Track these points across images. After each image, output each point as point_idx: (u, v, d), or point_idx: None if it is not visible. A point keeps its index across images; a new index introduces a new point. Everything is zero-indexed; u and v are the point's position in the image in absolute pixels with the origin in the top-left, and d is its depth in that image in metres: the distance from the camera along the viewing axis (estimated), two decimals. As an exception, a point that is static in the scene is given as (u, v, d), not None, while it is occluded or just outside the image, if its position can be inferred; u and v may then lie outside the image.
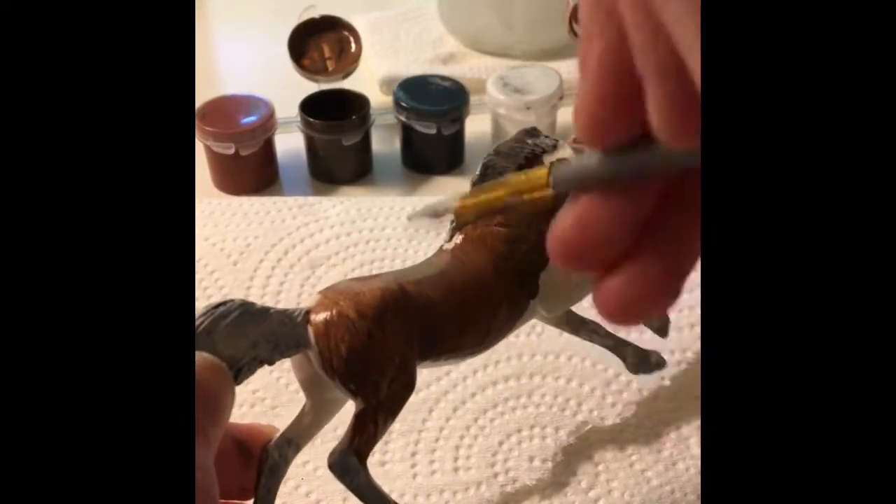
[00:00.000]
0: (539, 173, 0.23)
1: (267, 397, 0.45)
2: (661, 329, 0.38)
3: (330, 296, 0.30)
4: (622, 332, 0.43)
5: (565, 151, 0.33)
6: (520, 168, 0.33)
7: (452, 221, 0.33)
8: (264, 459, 0.30)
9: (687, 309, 0.47)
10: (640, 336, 0.45)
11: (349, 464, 0.28)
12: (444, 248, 0.33)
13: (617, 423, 0.43)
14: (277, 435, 0.31)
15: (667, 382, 0.43)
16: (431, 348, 0.31)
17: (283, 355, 0.30)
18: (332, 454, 0.29)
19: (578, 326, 0.38)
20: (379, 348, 0.29)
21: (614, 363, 0.44)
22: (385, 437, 0.43)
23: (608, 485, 0.41)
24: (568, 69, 0.68)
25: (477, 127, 0.66)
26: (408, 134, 0.64)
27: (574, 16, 0.65)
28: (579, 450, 0.43)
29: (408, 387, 0.30)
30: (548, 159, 0.33)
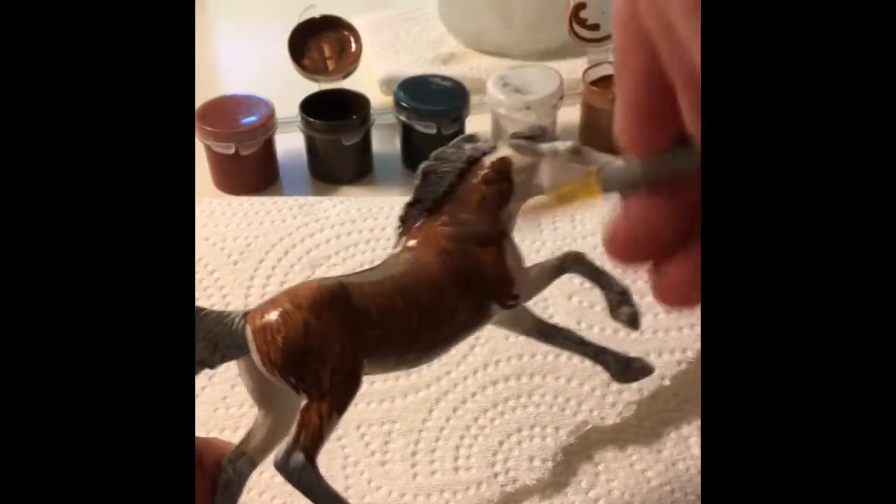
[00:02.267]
0: (587, 180, 0.26)
1: (267, 397, 0.45)
2: (632, 320, 0.35)
3: (270, 297, 0.30)
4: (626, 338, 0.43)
5: (504, 151, 0.32)
6: (461, 173, 0.33)
7: (398, 227, 0.33)
8: (218, 475, 0.29)
9: (687, 309, 0.47)
10: (639, 336, 0.45)
11: (295, 461, 0.27)
12: (392, 253, 0.33)
13: (617, 423, 0.43)
14: (232, 450, 0.30)
15: (667, 382, 0.43)
16: (382, 346, 0.30)
17: (224, 358, 0.29)
18: (277, 453, 0.28)
19: (551, 334, 0.35)
20: (316, 337, 0.28)
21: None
22: (385, 437, 0.43)
23: (608, 485, 0.41)
24: (568, 69, 0.68)
25: (477, 127, 0.66)
26: (408, 134, 0.64)
27: (574, 16, 0.65)
28: (579, 450, 0.43)
29: (351, 377, 0.28)
30: (488, 160, 0.32)
